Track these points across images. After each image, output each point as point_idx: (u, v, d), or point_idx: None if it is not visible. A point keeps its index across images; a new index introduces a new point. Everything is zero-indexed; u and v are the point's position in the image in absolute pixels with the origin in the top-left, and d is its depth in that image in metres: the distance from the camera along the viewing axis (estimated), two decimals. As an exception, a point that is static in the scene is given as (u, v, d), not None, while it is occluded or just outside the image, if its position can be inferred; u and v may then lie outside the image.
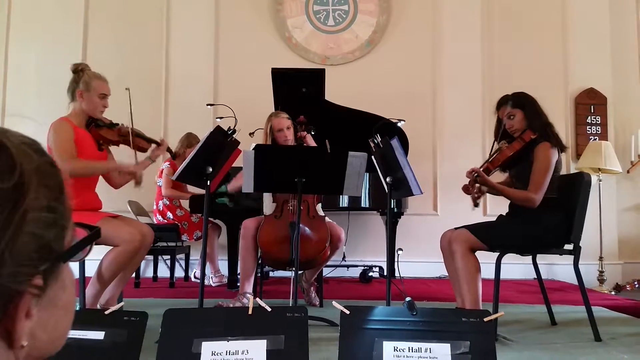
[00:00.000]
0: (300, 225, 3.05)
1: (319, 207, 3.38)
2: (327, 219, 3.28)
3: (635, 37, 5.59)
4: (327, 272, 4.58)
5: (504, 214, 2.98)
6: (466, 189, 2.77)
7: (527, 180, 2.75)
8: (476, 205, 2.82)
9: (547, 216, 2.74)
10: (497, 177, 2.94)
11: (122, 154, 2.99)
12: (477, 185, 2.77)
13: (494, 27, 5.55)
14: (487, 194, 2.89)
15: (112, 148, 2.93)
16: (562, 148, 2.83)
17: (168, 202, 4.58)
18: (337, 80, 5.00)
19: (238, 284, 4.02)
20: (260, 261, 3.35)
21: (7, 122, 5.35)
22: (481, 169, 2.77)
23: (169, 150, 3.10)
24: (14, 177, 0.45)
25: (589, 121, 5.41)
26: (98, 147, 2.83)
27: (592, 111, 5.41)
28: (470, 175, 2.75)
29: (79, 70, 2.78)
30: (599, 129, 5.40)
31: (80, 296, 2.53)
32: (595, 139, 5.29)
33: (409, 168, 2.64)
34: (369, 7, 5.58)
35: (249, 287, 3.22)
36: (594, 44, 5.46)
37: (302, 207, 3.19)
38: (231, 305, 3.06)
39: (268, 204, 3.39)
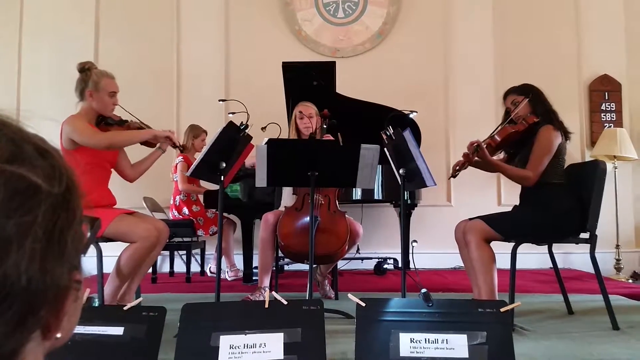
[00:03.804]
0: (320, 219, 3.06)
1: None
2: (346, 215, 3.28)
3: (650, 22, 5.50)
4: (341, 264, 4.59)
5: (517, 204, 2.96)
6: (467, 158, 2.78)
7: None
8: (454, 176, 2.83)
9: (559, 203, 2.73)
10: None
11: (129, 149, 3.01)
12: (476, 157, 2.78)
13: (505, 15, 5.49)
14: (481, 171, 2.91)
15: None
16: (565, 133, 2.83)
17: (185, 197, 4.62)
18: (348, 72, 4.98)
19: (254, 278, 4.05)
20: (276, 254, 3.36)
21: (25, 122, 5.40)
22: (484, 144, 2.76)
23: (177, 145, 3.08)
24: (63, 181, 0.48)
25: (604, 108, 5.35)
26: None
27: (607, 98, 5.35)
28: (471, 148, 2.76)
29: (85, 70, 2.78)
30: (614, 116, 5.33)
31: (99, 292, 2.57)
32: (610, 126, 5.23)
33: (421, 159, 2.64)
34: (379, -2, 5.55)
35: (267, 281, 3.25)
36: (607, 30, 5.39)
37: (323, 202, 3.20)
38: (256, 298, 3.09)
39: (287, 196, 3.40)
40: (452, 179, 2.90)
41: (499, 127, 2.89)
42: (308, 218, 2.99)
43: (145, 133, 2.84)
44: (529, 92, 2.88)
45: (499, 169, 2.83)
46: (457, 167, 2.82)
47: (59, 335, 0.49)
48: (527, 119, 2.82)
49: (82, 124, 2.71)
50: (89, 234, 0.55)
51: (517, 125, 2.83)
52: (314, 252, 2.78)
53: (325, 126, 3.35)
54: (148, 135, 2.84)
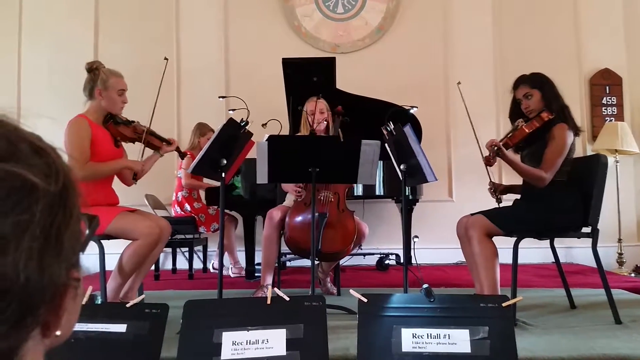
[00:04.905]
0: (329, 215, 3.06)
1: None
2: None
3: (651, 15, 5.48)
4: (343, 260, 4.58)
5: (519, 198, 2.96)
6: (487, 161, 2.78)
7: (540, 159, 2.74)
8: (490, 165, 2.83)
9: (561, 198, 2.72)
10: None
11: (131, 149, 3.01)
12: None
13: (505, 9, 5.47)
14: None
15: (126, 144, 2.97)
16: (577, 132, 2.82)
17: (187, 194, 4.62)
18: (348, 68, 4.97)
19: (256, 275, 4.05)
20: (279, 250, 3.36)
21: (22, 121, 5.40)
22: (500, 143, 2.75)
23: (177, 150, 3.08)
24: (60, 179, 0.48)
25: (605, 102, 5.34)
26: (115, 143, 2.86)
27: (608, 92, 5.33)
28: (490, 148, 2.75)
29: (94, 69, 2.81)
30: (615, 110, 5.32)
31: (102, 290, 2.57)
32: (611, 120, 5.22)
33: (422, 155, 2.63)
34: (379, -7, 5.54)
35: (270, 279, 3.24)
36: (608, 24, 5.37)
37: (332, 199, 3.19)
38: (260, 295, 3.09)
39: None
40: (488, 166, 2.88)
41: (514, 128, 2.86)
42: (317, 214, 2.99)
43: (121, 163, 2.84)
44: (543, 85, 2.85)
45: (515, 168, 2.80)
46: (490, 160, 2.81)
47: (58, 333, 0.49)
48: (542, 115, 2.79)
49: (76, 142, 2.67)
50: (87, 232, 0.55)
51: (532, 122, 2.80)
52: (321, 249, 2.78)
53: (340, 120, 3.31)
54: (123, 165, 2.85)
